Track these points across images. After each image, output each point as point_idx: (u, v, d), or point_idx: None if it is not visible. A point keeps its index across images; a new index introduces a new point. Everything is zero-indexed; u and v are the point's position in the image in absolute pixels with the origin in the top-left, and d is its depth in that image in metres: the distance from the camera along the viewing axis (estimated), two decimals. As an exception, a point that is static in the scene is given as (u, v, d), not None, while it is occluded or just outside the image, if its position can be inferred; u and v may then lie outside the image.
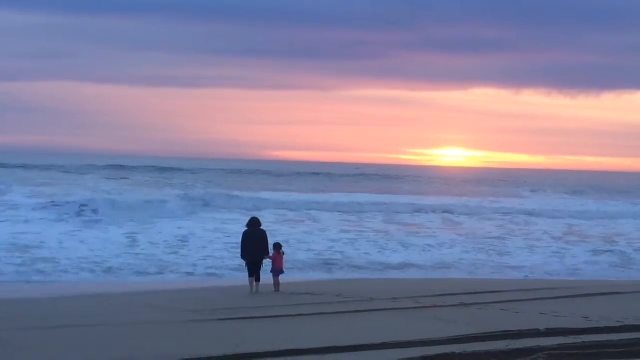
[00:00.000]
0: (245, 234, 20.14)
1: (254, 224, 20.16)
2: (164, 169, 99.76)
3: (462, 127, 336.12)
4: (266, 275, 20.09)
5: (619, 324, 14.28)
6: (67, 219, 38.49)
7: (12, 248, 28.14)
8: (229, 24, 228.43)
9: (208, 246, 30.76)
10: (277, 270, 20.11)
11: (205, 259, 27.66)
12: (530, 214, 51.66)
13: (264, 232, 20.18)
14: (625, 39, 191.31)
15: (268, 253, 19.99)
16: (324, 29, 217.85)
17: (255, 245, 19.86)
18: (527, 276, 26.43)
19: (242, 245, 20.14)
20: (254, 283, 19.82)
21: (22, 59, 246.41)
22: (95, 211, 40.81)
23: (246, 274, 20.11)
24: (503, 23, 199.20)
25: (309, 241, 33.03)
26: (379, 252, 31.07)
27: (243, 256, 20.08)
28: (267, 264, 20.35)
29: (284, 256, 20.56)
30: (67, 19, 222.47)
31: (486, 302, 17.68)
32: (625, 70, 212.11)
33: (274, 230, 32.46)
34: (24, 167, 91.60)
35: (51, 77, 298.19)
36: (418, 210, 50.91)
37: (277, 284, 20.08)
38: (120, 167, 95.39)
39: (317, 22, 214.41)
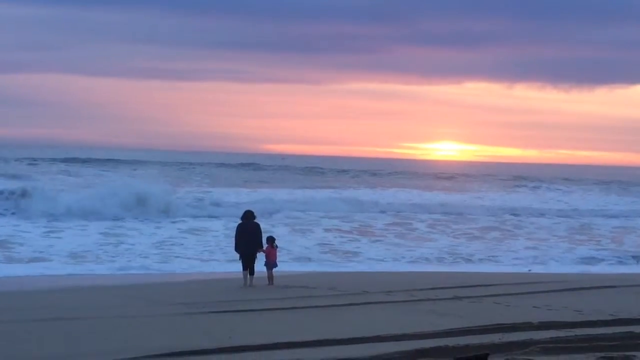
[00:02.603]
0: (239, 227, 20.13)
1: (248, 216, 20.15)
2: (153, 163, 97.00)
3: (455, 121, 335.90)
4: (261, 269, 20.08)
5: (611, 318, 14.32)
6: (39, 216, 36.63)
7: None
8: (221, 17, 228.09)
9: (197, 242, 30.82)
10: (270, 264, 20.11)
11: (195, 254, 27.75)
12: (527, 209, 50.84)
13: (257, 225, 20.15)
14: (618, 33, 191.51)
15: (261, 246, 19.97)
16: (317, 22, 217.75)
17: (248, 238, 19.84)
18: (530, 270, 26.49)
19: (235, 238, 20.12)
20: (248, 276, 19.82)
21: (13, 51, 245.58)
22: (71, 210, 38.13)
23: (240, 266, 20.12)
24: (496, 17, 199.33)
25: (296, 239, 32.30)
26: (370, 250, 30.72)
27: (237, 249, 20.07)
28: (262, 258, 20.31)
29: (277, 249, 20.59)
30: (58, 11, 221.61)
31: (480, 296, 17.71)
32: (619, 65, 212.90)
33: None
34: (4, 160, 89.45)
35: (42, 70, 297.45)
36: (415, 206, 48.80)
37: (270, 277, 20.08)
38: (108, 161, 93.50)
39: (310, 15, 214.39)
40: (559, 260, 29.60)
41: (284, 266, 22.51)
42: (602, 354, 10.81)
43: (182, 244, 30.13)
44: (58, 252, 26.98)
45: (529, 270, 26.47)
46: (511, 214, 47.12)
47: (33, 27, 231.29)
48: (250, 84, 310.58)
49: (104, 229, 33.22)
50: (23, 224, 33.92)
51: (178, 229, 34.71)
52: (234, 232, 20.37)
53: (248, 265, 19.84)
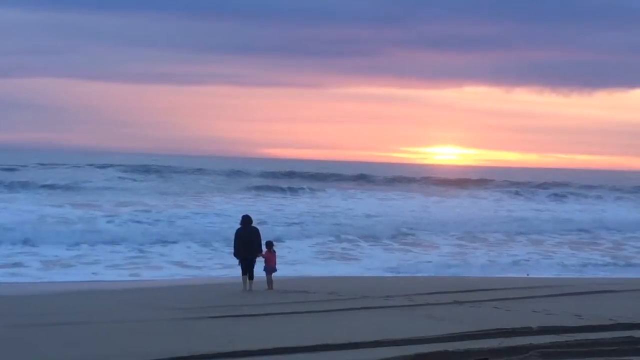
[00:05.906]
0: (238, 232, 20.12)
1: (247, 221, 20.15)
2: (150, 168, 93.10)
3: (454, 125, 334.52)
4: (260, 274, 20.07)
5: (611, 322, 14.30)
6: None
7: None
8: (221, 21, 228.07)
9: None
10: (269, 269, 20.11)
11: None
12: (529, 216, 49.79)
13: (256, 229, 20.16)
14: (618, 36, 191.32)
15: (261, 251, 19.98)
16: (317, 26, 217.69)
17: (248, 243, 19.84)
18: (528, 274, 26.50)
19: (235, 243, 20.12)
20: (247, 281, 19.82)
21: (13, 55, 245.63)
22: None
23: (239, 271, 20.11)
24: (495, 21, 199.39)
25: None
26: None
27: (236, 254, 20.06)
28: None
29: (276, 254, 20.59)
30: (58, 16, 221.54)
31: (479, 300, 17.70)
32: (618, 68, 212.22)
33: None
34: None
35: (41, 74, 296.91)
36: (419, 215, 46.70)
37: (270, 282, 20.08)
38: (110, 166, 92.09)
39: (310, 19, 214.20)
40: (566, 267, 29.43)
41: (283, 270, 22.52)
42: (602, 359, 10.80)
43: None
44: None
45: (527, 274, 26.50)
46: (522, 223, 44.92)
47: (33, 31, 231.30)
48: (248, 87, 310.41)
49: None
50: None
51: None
52: (233, 238, 20.37)
53: (247, 269, 19.85)
